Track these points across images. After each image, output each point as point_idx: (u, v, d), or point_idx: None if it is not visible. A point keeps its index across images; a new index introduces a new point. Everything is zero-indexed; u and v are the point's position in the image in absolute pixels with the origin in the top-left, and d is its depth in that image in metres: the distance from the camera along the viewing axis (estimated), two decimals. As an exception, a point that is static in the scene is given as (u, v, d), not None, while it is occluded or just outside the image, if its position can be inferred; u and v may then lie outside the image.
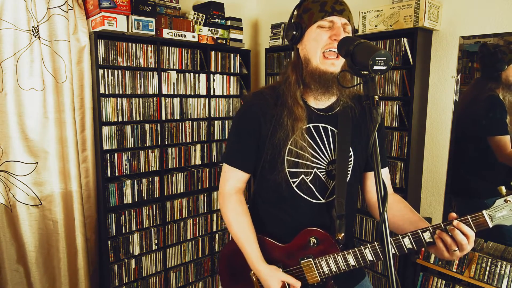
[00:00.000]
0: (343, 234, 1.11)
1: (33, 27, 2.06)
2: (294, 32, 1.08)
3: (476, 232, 0.92)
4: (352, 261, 1.06)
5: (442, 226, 0.96)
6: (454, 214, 0.96)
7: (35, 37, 2.08)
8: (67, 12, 2.16)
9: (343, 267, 1.07)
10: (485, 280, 1.90)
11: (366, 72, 0.87)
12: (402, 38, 2.12)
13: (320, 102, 1.15)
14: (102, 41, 2.23)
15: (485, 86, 2.04)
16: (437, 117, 2.22)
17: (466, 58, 2.09)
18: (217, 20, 2.79)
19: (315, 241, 1.11)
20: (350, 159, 1.15)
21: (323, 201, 1.14)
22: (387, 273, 0.81)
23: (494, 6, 1.94)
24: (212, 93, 2.81)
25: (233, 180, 1.21)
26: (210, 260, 2.92)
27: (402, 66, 2.15)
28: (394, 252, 0.99)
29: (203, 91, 2.76)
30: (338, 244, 1.11)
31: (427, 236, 0.97)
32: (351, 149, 1.15)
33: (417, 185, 2.28)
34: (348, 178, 1.14)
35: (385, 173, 1.23)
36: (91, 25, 2.25)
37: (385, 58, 0.85)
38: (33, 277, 2.20)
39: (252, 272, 1.17)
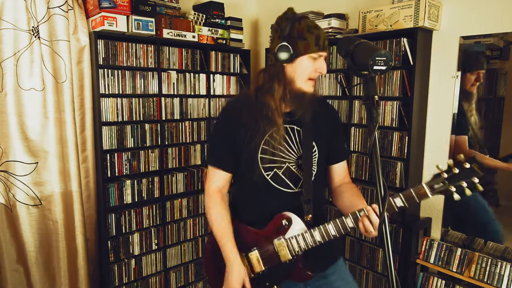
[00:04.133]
0: (310, 216, 1.29)
1: (33, 27, 2.06)
2: (287, 56, 1.22)
3: (419, 202, 1.11)
4: (318, 237, 1.23)
5: (364, 210, 1.16)
6: (375, 205, 1.15)
7: (35, 37, 2.08)
8: (67, 12, 2.16)
9: (311, 243, 1.24)
10: (485, 280, 1.90)
11: (366, 72, 0.87)
12: (402, 38, 2.12)
13: (287, 107, 1.32)
14: (102, 41, 2.23)
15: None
16: (437, 117, 2.22)
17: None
18: (217, 20, 2.79)
19: (287, 223, 1.28)
20: (314, 153, 1.34)
21: (296, 190, 1.32)
22: (387, 273, 0.81)
23: (494, 6, 1.94)
24: (212, 93, 2.81)
25: (217, 180, 1.36)
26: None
27: (402, 66, 2.15)
28: (352, 225, 1.19)
29: (203, 91, 2.76)
30: (306, 224, 1.27)
31: (350, 221, 1.19)
32: (314, 144, 1.34)
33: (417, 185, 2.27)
34: (314, 168, 1.34)
35: (343, 165, 1.44)
36: (91, 25, 2.25)
37: (385, 58, 0.85)
38: (33, 277, 2.20)
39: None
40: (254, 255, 1.31)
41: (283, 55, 1.22)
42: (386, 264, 0.81)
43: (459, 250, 2.02)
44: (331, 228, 1.21)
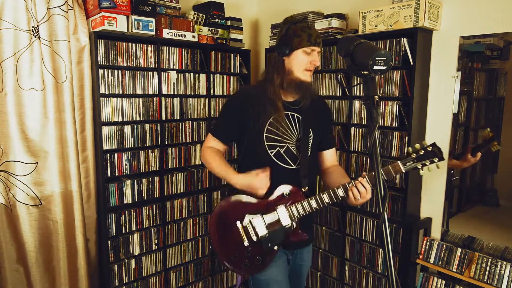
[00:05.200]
0: (307, 187, 1.56)
1: (33, 27, 2.06)
2: (286, 50, 1.50)
3: (392, 179, 1.42)
4: (314, 204, 1.48)
5: (352, 182, 1.41)
6: (364, 173, 1.42)
7: (35, 37, 2.08)
8: (67, 12, 2.16)
9: (308, 209, 1.48)
10: (485, 280, 1.90)
11: (366, 72, 0.87)
12: (402, 38, 2.12)
13: (290, 97, 1.60)
14: (102, 41, 2.23)
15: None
16: (437, 117, 2.21)
17: (466, 58, 2.09)
18: (217, 20, 2.79)
19: (288, 193, 1.52)
20: (310, 137, 1.61)
21: (294, 167, 1.58)
22: (387, 273, 0.81)
23: (494, 6, 1.94)
24: (212, 93, 2.81)
25: (213, 143, 1.65)
26: (210, 260, 2.92)
27: (402, 66, 2.15)
28: (342, 195, 1.44)
29: (203, 91, 2.76)
30: (304, 195, 1.52)
31: (340, 191, 1.44)
32: (310, 130, 1.61)
33: (417, 185, 2.28)
34: (309, 150, 1.61)
35: (332, 151, 1.75)
36: (91, 25, 2.25)
37: (385, 58, 0.85)
38: (33, 277, 2.20)
39: (238, 221, 1.53)
40: (258, 220, 1.51)
41: (281, 50, 1.50)
42: (386, 264, 0.81)
43: (459, 250, 2.02)
44: (325, 197, 1.46)
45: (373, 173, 1.37)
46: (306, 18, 2.62)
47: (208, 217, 2.86)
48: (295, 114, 1.59)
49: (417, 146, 1.36)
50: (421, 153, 1.34)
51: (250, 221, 1.52)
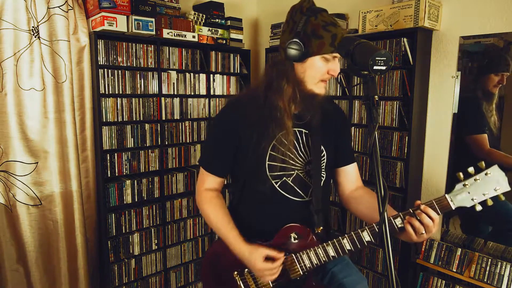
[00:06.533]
0: (321, 228, 1.20)
1: (33, 27, 2.06)
2: (298, 54, 1.10)
3: (440, 214, 1.03)
4: (332, 252, 1.13)
5: (411, 211, 1.04)
6: (419, 201, 1.05)
7: (35, 37, 2.08)
8: (67, 12, 2.16)
9: (324, 259, 1.14)
10: (485, 280, 1.90)
11: (366, 72, 0.87)
12: (402, 38, 2.12)
13: (295, 109, 1.22)
14: (102, 41, 2.23)
15: (469, 86, 2.11)
16: (437, 117, 2.21)
17: (466, 58, 2.09)
18: (217, 20, 2.79)
19: (296, 237, 1.18)
20: (323, 158, 1.24)
21: (306, 198, 1.23)
22: (387, 273, 0.81)
23: (494, 6, 1.94)
24: (212, 93, 2.81)
25: (209, 182, 1.28)
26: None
27: (402, 66, 2.15)
28: (369, 239, 1.10)
29: (203, 91, 2.76)
30: (317, 237, 1.19)
31: (398, 222, 1.05)
32: (323, 147, 1.24)
33: (417, 185, 2.27)
34: (323, 175, 1.25)
35: (354, 167, 1.33)
36: (91, 25, 2.25)
37: (385, 58, 0.85)
38: (33, 277, 2.20)
39: (235, 272, 1.23)
40: None
41: (294, 53, 1.10)
42: (386, 264, 0.81)
43: (459, 250, 2.02)
44: (346, 243, 1.12)
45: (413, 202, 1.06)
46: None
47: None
48: (303, 130, 1.24)
49: (471, 171, 1.02)
50: (478, 180, 1.01)
51: (249, 272, 1.22)
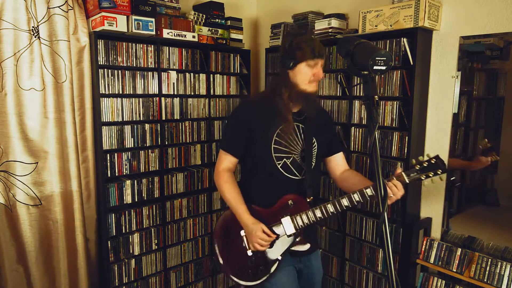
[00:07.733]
0: (312, 197, 1.57)
1: (33, 27, 2.06)
2: (289, 63, 1.49)
3: (400, 183, 1.39)
4: (319, 214, 1.49)
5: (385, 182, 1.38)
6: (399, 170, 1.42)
7: (35, 37, 2.08)
8: (67, 12, 2.16)
9: (312, 219, 1.49)
10: (485, 280, 1.90)
11: (366, 72, 0.87)
12: (402, 38, 2.12)
13: (295, 108, 1.59)
14: (102, 41, 2.23)
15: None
16: (437, 117, 2.21)
17: (466, 58, 2.09)
18: (217, 20, 2.79)
19: (292, 203, 1.54)
20: (314, 147, 1.62)
21: (299, 177, 1.59)
22: (387, 273, 0.81)
23: (494, 6, 1.94)
24: (212, 93, 2.81)
25: (226, 162, 1.62)
26: (210, 260, 2.92)
27: (402, 66, 2.15)
28: (347, 204, 1.45)
29: (203, 91, 2.76)
30: (308, 204, 1.54)
31: (369, 191, 1.42)
32: (314, 139, 1.62)
33: (417, 185, 2.28)
34: (313, 160, 1.62)
35: (341, 155, 1.73)
36: (91, 25, 2.25)
37: (385, 58, 0.85)
38: (33, 277, 2.20)
39: (242, 230, 1.57)
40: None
41: (286, 63, 1.50)
42: (386, 264, 0.81)
43: (459, 250, 2.02)
44: (330, 207, 1.47)
45: (393, 174, 1.41)
46: (306, 18, 2.62)
47: (208, 217, 2.87)
48: (300, 125, 1.60)
49: (421, 158, 1.40)
50: (425, 165, 1.37)
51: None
